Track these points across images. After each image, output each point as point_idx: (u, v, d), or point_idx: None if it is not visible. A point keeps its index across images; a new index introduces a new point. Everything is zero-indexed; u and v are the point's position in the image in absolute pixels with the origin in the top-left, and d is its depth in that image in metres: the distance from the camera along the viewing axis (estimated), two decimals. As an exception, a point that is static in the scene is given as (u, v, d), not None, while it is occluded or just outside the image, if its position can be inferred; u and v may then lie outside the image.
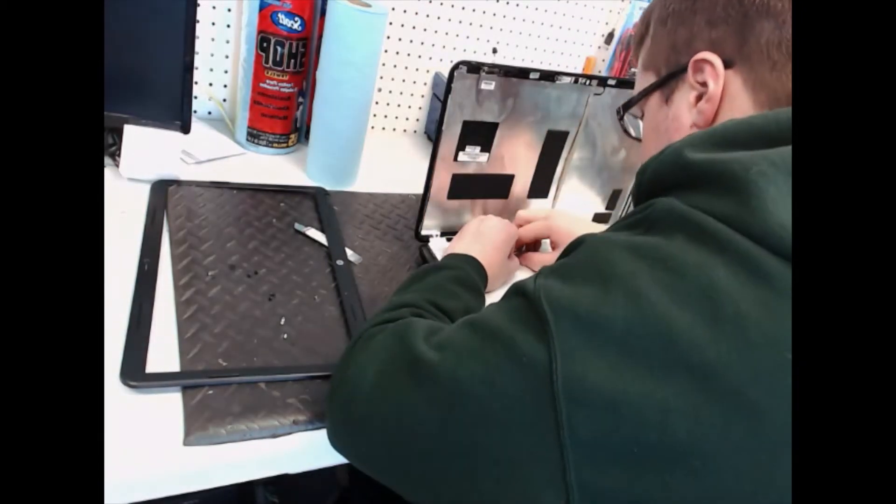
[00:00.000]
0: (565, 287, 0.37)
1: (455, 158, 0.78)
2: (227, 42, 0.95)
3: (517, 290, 0.40)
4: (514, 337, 0.37)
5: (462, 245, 0.68)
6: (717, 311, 0.32)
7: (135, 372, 0.51)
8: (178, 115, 0.78)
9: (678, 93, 0.49)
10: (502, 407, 0.36)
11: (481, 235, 0.70)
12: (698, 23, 0.47)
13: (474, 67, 0.71)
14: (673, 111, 0.49)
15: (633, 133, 0.58)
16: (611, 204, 0.97)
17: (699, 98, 0.47)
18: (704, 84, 0.46)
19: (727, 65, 0.45)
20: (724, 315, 0.32)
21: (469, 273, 0.61)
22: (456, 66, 0.69)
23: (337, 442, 0.46)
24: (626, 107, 0.56)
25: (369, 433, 0.43)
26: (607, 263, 0.36)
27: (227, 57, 0.96)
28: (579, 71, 1.28)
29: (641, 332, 0.33)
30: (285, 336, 0.60)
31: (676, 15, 0.48)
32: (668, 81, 0.50)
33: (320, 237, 0.76)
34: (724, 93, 0.45)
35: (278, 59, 0.86)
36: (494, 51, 1.17)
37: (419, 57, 1.11)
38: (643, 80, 0.53)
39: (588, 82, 0.80)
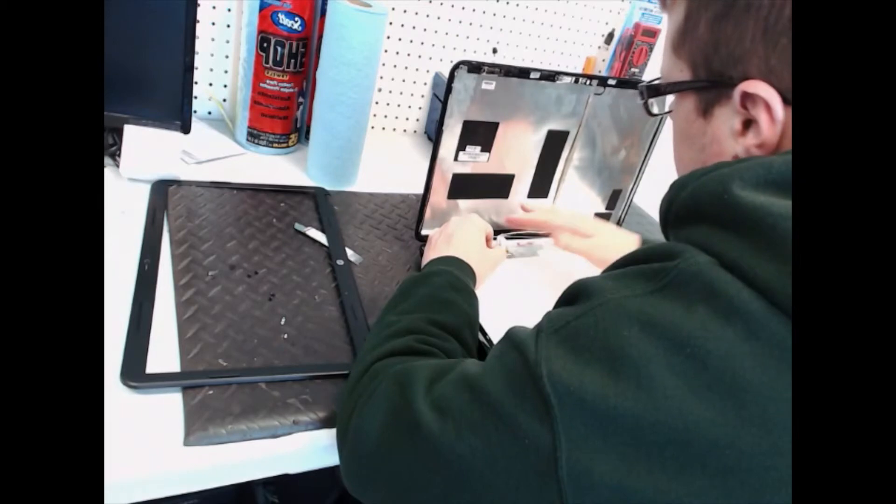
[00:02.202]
0: (570, 365, 0.34)
1: (455, 158, 0.78)
2: (227, 42, 0.95)
3: (517, 345, 0.37)
4: (515, 415, 0.35)
5: (437, 251, 0.66)
6: (742, 410, 0.29)
7: (135, 373, 0.51)
8: (178, 115, 0.78)
9: (719, 109, 0.40)
10: (506, 486, 0.35)
11: (451, 237, 0.68)
12: (752, 29, 0.36)
13: (475, 67, 0.71)
14: (712, 130, 0.41)
15: (656, 110, 0.50)
16: (611, 204, 0.97)
17: (745, 125, 0.39)
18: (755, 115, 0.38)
19: (788, 100, 0.36)
20: (750, 415, 0.29)
21: (457, 276, 0.60)
22: (456, 66, 0.69)
23: (350, 487, 0.46)
24: (651, 93, 0.47)
25: (379, 485, 0.43)
26: (618, 341, 0.33)
27: (227, 57, 0.96)
28: (579, 71, 1.28)
29: (655, 426, 0.30)
30: (285, 336, 0.60)
31: (723, 2, 0.38)
32: (706, 89, 0.41)
33: (320, 237, 0.76)
34: (783, 136, 0.37)
35: (278, 59, 0.86)
36: (494, 51, 1.17)
37: (419, 57, 1.11)
38: (673, 67, 0.43)
39: (588, 82, 0.80)
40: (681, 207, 0.38)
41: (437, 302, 0.56)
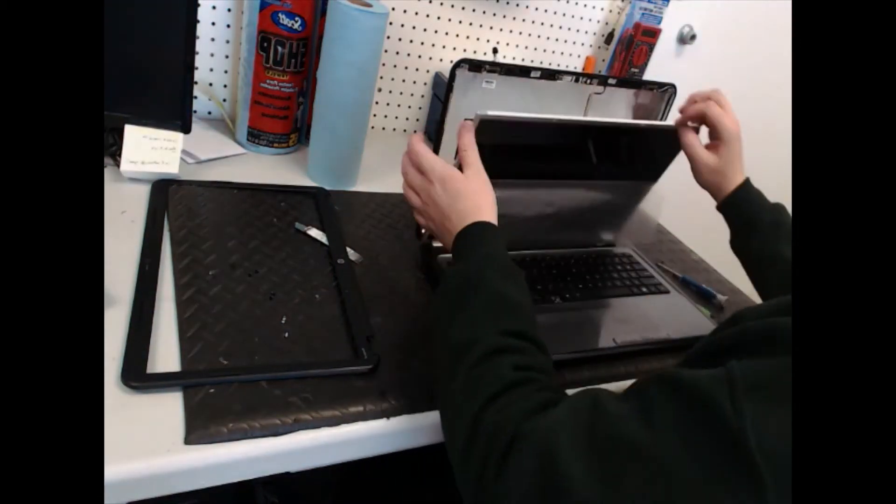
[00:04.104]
0: (787, 429, 0.29)
1: (456, 157, 0.78)
2: (227, 42, 0.95)
3: (703, 405, 0.32)
4: (712, 492, 0.30)
5: (451, 224, 0.57)
6: None
7: (136, 373, 0.51)
8: (178, 115, 0.78)
9: None
10: None
11: (441, 201, 0.58)
12: None
13: (476, 66, 0.71)
14: None
15: None
16: (611, 203, 0.97)
17: None
18: None
19: None
20: None
21: (498, 255, 0.53)
22: (457, 65, 0.69)
23: None
24: None
25: None
26: None
27: (227, 57, 0.96)
28: (579, 71, 1.28)
29: None
30: (286, 335, 0.60)
31: None
32: None
33: (321, 236, 0.76)
34: None
35: (279, 58, 0.86)
36: (495, 51, 1.17)
37: (419, 57, 1.11)
38: None
39: (588, 81, 0.80)
40: None
41: (500, 302, 0.50)
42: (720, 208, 0.79)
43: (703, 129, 0.79)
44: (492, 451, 0.40)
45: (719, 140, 0.76)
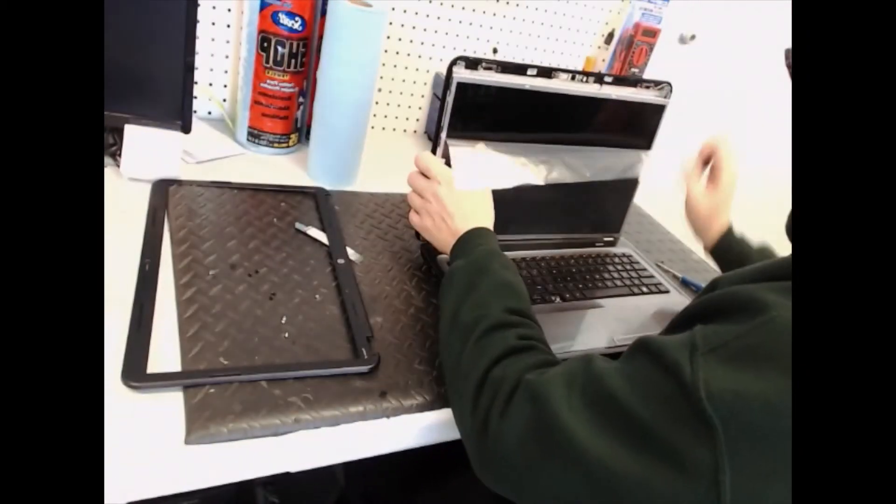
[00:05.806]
0: (736, 386, 0.33)
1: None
2: (228, 42, 0.95)
3: (666, 366, 0.37)
4: (672, 440, 0.35)
5: (456, 228, 0.64)
6: None
7: (136, 373, 0.51)
8: (178, 115, 0.78)
9: None
10: None
11: (457, 211, 0.65)
12: None
13: (472, 63, 0.71)
14: None
15: None
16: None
17: None
18: None
19: None
20: None
21: (498, 251, 0.61)
22: (454, 62, 0.69)
23: (486, 483, 0.48)
24: None
25: (529, 494, 0.44)
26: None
27: (227, 57, 0.96)
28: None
29: None
30: (286, 335, 0.60)
31: None
32: None
33: (321, 236, 0.76)
34: None
35: (279, 58, 0.86)
36: (495, 51, 1.17)
37: (419, 57, 1.11)
38: None
39: (585, 79, 0.80)
40: None
41: (505, 287, 0.56)
42: (710, 252, 0.81)
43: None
44: (495, 400, 0.46)
45: (717, 182, 0.79)
